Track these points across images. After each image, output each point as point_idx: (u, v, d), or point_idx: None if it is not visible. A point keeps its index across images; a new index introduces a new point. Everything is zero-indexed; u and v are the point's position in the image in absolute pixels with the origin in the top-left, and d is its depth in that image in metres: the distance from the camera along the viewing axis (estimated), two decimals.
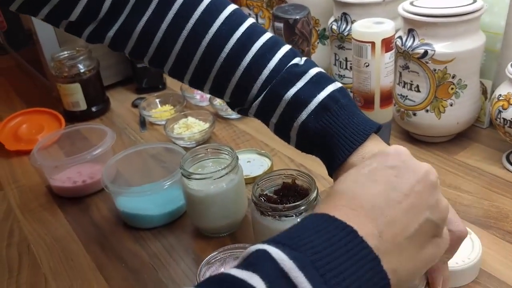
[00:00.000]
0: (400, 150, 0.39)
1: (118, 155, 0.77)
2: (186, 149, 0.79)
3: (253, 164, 0.84)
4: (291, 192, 0.60)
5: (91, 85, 1.03)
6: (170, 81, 1.21)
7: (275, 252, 0.30)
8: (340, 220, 0.32)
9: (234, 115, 0.99)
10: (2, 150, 0.94)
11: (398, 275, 0.32)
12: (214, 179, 0.64)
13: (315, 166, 0.81)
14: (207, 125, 0.93)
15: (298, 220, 0.55)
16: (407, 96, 0.81)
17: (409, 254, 0.33)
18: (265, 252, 0.30)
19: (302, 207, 0.56)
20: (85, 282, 0.63)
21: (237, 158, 0.67)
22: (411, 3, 0.76)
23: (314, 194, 0.57)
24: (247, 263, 0.30)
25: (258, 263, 0.29)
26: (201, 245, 0.67)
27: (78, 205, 0.78)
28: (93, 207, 0.78)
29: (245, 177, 0.74)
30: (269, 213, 0.57)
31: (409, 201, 0.34)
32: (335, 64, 0.93)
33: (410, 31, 0.76)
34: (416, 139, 0.85)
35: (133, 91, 1.17)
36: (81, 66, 1.01)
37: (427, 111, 0.79)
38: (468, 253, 0.57)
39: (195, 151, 0.69)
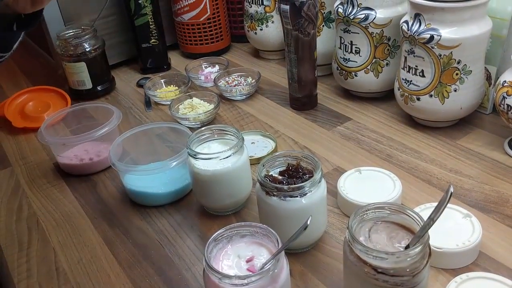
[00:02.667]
0: None
1: (125, 134, 0.78)
2: (191, 129, 0.80)
3: (257, 145, 0.85)
4: (295, 173, 0.61)
5: (97, 64, 1.04)
6: (174, 62, 1.21)
7: None
8: None
9: (238, 96, 1.00)
10: (10, 127, 0.95)
11: None
12: (220, 159, 0.66)
13: (318, 148, 0.83)
14: (211, 106, 0.94)
15: (303, 200, 0.57)
16: (411, 81, 0.81)
17: None
18: None
19: (307, 188, 0.57)
20: (93, 256, 0.65)
21: (243, 139, 0.68)
22: None
23: (319, 176, 0.58)
24: None
25: None
26: (207, 223, 0.69)
27: (86, 182, 0.80)
28: (100, 185, 0.79)
29: (249, 158, 0.75)
30: (274, 193, 0.58)
31: None
32: (340, 47, 0.93)
33: (417, 16, 0.76)
34: (419, 124, 0.86)
35: (137, 71, 1.17)
36: (86, 45, 1.01)
37: (431, 96, 0.79)
38: (469, 236, 0.58)
39: (201, 131, 0.70)
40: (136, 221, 0.71)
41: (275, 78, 1.09)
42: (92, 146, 0.83)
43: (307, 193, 0.58)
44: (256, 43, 1.18)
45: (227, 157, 0.66)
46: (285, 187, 0.57)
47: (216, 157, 0.65)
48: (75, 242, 0.67)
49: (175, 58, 1.23)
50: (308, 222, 0.47)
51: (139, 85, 1.10)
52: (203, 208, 0.71)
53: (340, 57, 0.94)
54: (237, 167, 0.67)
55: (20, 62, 1.31)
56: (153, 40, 1.12)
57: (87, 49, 1.01)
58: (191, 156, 0.66)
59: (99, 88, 1.06)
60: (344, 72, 0.94)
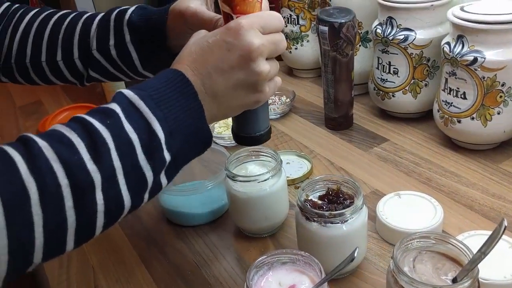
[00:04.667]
0: (239, 26, 0.46)
1: None
2: (226, 148, 0.80)
3: (292, 166, 0.85)
4: (336, 198, 0.60)
5: (135, 82, 1.05)
6: None
7: (127, 92, 0.43)
8: (178, 71, 0.45)
9: (273, 115, 1.00)
10: None
11: (213, 112, 0.47)
12: (259, 182, 0.65)
13: (355, 170, 0.82)
14: None
15: (344, 227, 0.57)
16: (452, 103, 0.80)
17: (224, 101, 0.48)
18: (120, 93, 0.44)
19: (348, 214, 0.56)
20: (131, 275, 0.65)
21: (281, 162, 0.68)
22: (462, 9, 0.75)
23: (360, 202, 0.57)
24: (109, 102, 0.43)
25: (115, 98, 0.43)
26: (243, 244, 0.69)
27: None
28: None
29: None
30: (314, 219, 0.57)
31: (233, 72, 0.46)
32: (377, 68, 0.92)
33: (460, 38, 0.75)
34: (458, 146, 0.84)
35: None
36: None
37: (472, 118, 0.78)
38: None
39: (239, 153, 0.70)
40: (172, 240, 0.71)
41: (310, 97, 1.08)
42: None
43: (348, 220, 0.57)
44: (290, 62, 1.18)
45: (266, 180, 0.65)
46: (326, 213, 0.56)
47: (255, 180, 0.65)
48: (113, 261, 0.68)
49: None
50: (355, 254, 0.46)
51: None
52: (239, 229, 0.71)
53: (378, 77, 0.93)
54: (274, 190, 0.66)
55: None
56: None
57: None
58: (229, 177, 0.67)
59: None
60: (381, 92, 0.93)
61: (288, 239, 0.68)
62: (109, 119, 0.41)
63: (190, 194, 0.72)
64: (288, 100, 1.02)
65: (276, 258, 0.50)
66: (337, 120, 0.93)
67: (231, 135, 0.92)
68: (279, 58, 1.25)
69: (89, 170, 0.38)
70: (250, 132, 0.56)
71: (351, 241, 0.58)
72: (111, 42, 0.62)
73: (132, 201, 0.42)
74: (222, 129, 0.94)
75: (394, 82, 0.90)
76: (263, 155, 0.70)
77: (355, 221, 0.57)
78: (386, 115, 0.97)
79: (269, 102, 1.02)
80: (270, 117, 0.99)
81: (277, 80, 0.52)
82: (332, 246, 0.58)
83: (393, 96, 0.91)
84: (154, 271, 0.66)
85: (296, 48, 1.15)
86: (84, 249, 0.71)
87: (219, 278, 0.63)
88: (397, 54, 0.88)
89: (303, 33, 1.13)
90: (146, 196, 0.44)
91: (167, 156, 0.43)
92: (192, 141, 0.45)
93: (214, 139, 0.92)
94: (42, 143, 0.38)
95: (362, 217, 0.58)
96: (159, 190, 0.46)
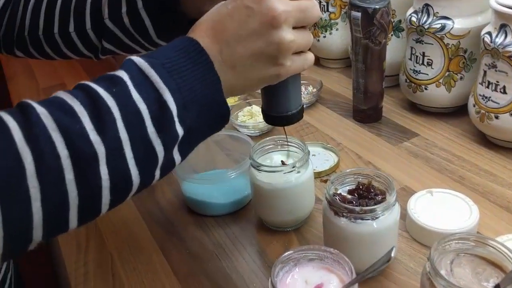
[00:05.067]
0: None
1: None
2: (249, 137, 0.78)
3: (318, 158, 0.81)
4: (366, 193, 0.57)
5: None
6: None
7: (136, 59, 0.40)
8: (193, 39, 0.42)
9: None
10: None
11: (230, 84, 0.43)
12: (284, 173, 0.63)
13: (384, 164, 0.78)
14: None
15: (375, 224, 0.53)
16: (490, 97, 0.75)
17: (242, 72, 0.43)
18: (129, 59, 0.40)
19: (379, 211, 0.53)
20: (149, 264, 0.63)
21: (309, 153, 0.65)
22: None
23: (393, 198, 0.54)
24: (117, 69, 0.40)
25: (123, 65, 0.40)
26: (265, 237, 0.66)
27: None
28: (159, 190, 0.78)
29: None
30: (343, 214, 0.54)
31: (252, 40, 0.42)
32: (410, 59, 0.88)
33: (503, 27, 0.70)
34: (493, 143, 0.80)
35: None
36: None
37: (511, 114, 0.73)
38: None
39: (265, 142, 0.67)
40: (193, 230, 0.69)
41: (337, 88, 1.05)
42: None
43: (379, 217, 0.54)
44: (318, 50, 1.14)
45: (291, 171, 0.63)
46: (357, 208, 0.53)
47: (280, 171, 0.62)
48: (131, 249, 0.66)
49: None
50: (392, 254, 0.43)
51: None
52: (262, 221, 0.69)
53: (410, 68, 0.89)
54: (300, 183, 0.63)
55: (83, 62, 1.34)
56: None
57: None
58: (253, 167, 0.64)
59: None
60: (413, 85, 0.89)
61: (313, 234, 0.66)
62: (115, 86, 0.38)
63: (212, 183, 0.70)
64: (314, 90, 0.98)
65: (303, 254, 0.48)
66: (366, 112, 0.90)
67: (255, 124, 0.91)
68: None
69: (91, 141, 0.35)
70: (280, 111, 0.52)
71: (381, 239, 0.55)
72: (123, 9, 0.59)
73: (141, 177, 0.39)
74: (246, 117, 0.91)
75: (427, 74, 0.86)
76: (289, 145, 0.67)
77: (386, 218, 0.54)
78: (417, 109, 0.92)
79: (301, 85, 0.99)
80: None
81: (308, 55, 0.47)
82: (361, 243, 0.55)
83: (425, 89, 0.87)
84: (173, 261, 0.64)
85: (324, 37, 1.11)
86: (103, 235, 0.69)
87: (240, 271, 0.61)
88: (432, 44, 0.83)
89: (332, 21, 1.09)
90: (157, 173, 0.41)
91: (180, 130, 0.40)
92: (207, 114, 0.42)
93: (237, 127, 0.90)
94: (41, 110, 0.35)
95: (394, 214, 0.55)
96: (172, 167, 0.42)
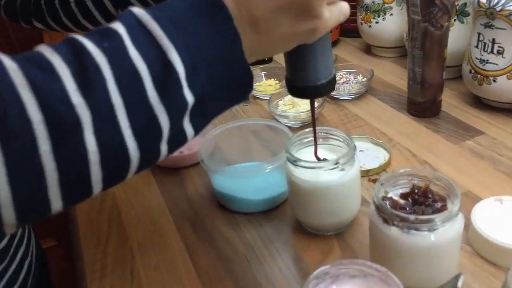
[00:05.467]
0: None
1: (218, 128, 0.70)
2: (290, 128, 0.70)
3: (366, 154, 0.73)
4: (423, 199, 0.48)
5: None
6: (277, 55, 1.12)
7: (137, 10, 0.33)
8: None
9: (346, 95, 0.88)
10: None
11: (252, 45, 0.35)
12: (326, 170, 0.55)
13: (443, 165, 0.68)
14: (316, 104, 0.83)
15: (432, 237, 0.45)
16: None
17: (267, 30, 0.36)
18: (129, 11, 0.33)
19: (439, 221, 0.44)
20: (172, 263, 0.57)
21: (355, 148, 0.56)
22: None
23: (456, 207, 0.45)
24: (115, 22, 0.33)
25: (121, 16, 0.33)
26: (302, 241, 0.59)
27: (173, 177, 0.73)
28: (188, 181, 0.72)
29: None
30: (394, 222, 0.46)
31: None
32: (476, 46, 0.77)
33: None
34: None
35: None
36: None
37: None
38: None
39: (304, 133, 0.60)
40: (222, 227, 0.62)
41: (390, 78, 0.95)
42: None
43: (438, 228, 0.45)
44: (369, 37, 1.05)
45: (334, 168, 0.55)
46: (411, 217, 0.45)
47: (321, 167, 0.55)
48: (154, 244, 0.61)
49: None
50: (459, 284, 0.34)
51: None
52: (299, 223, 0.61)
53: (476, 57, 0.78)
54: (344, 181, 0.55)
55: None
56: None
57: None
58: (290, 162, 0.56)
59: None
60: (479, 76, 0.78)
61: (357, 241, 0.57)
62: (108, 41, 0.31)
63: (245, 177, 0.63)
64: (364, 79, 0.89)
65: (344, 270, 0.40)
66: (423, 106, 0.80)
67: (297, 114, 0.83)
68: (356, 34, 1.12)
69: (73, 104, 0.28)
70: (308, 80, 0.44)
71: (440, 255, 0.46)
72: None
73: (142, 151, 0.32)
74: (287, 107, 0.84)
75: (497, 64, 0.75)
76: (333, 138, 0.59)
77: (447, 230, 0.45)
78: (482, 104, 0.82)
79: (342, 81, 0.90)
80: (343, 97, 0.88)
81: (342, 4, 0.39)
82: (415, 259, 0.46)
83: (494, 81, 0.76)
84: (198, 261, 0.57)
85: (377, 22, 1.01)
86: (125, 227, 0.64)
87: (271, 278, 0.54)
88: (505, 29, 0.72)
89: (386, 5, 0.99)
90: (164, 147, 0.34)
91: (189, 96, 0.33)
92: (224, 79, 0.34)
93: (277, 117, 0.82)
94: (9, 64, 0.28)
95: (457, 226, 0.46)
96: (183, 140, 0.35)
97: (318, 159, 0.56)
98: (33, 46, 0.31)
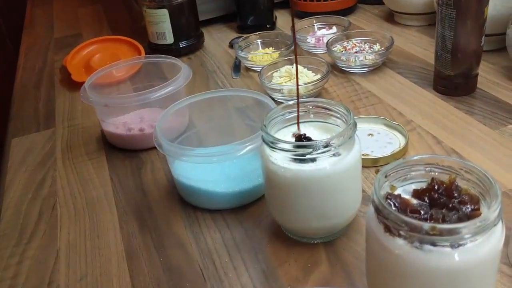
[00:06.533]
0: None
1: (190, 98, 0.56)
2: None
3: (376, 139, 0.57)
4: (445, 200, 0.32)
5: (182, 14, 0.83)
6: (281, 22, 0.96)
7: None
8: None
9: (358, 68, 0.72)
10: (69, 81, 0.79)
11: None
12: (313, 154, 0.39)
13: (476, 155, 0.52)
14: (317, 77, 0.67)
15: (456, 256, 0.29)
16: None
17: None
18: None
19: (467, 233, 0.29)
20: (103, 275, 0.43)
21: (355, 125, 0.41)
22: None
23: (495, 213, 0.29)
24: None
25: None
26: (280, 251, 0.43)
27: (130, 160, 0.59)
28: (147, 168, 0.57)
29: (362, 157, 0.48)
30: (401, 232, 0.30)
31: None
32: None
33: None
34: None
35: (234, 30, 0.94)
36: None
37: None
38: None
39: (289, 107, 0.44)
40: (178, 228, 0.48)
41: (414, 49, 0.78)
42: (151, 114, 0.63)
43: (466, 243, 0.29)
44: (393, 3, 0.88)
45: (324, 151, 0.39)
46: (427, 225, 0.29)
47: (307, 150, 0.39)
48: (87, 247, 0.47)
49: (282, 18, 0.98)
50: None
51: (232, 45, 0.87)
52: (278, 226, 0.46)
53: None
54: (338, 171, 0.40)
55: (108, 9, 1.17)
56: None
57: None
58: (266, 143, 0.41)
59: (182, 44, 0.85)
60: None
61: (353, 254, 0.42)
62: None
63: (211, 162, 0.47)
64: (382, 49, 0.72)
65: None
66: (454, 81, 0.63)
67: (293, 87, 0.68)
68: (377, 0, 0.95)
69: None
70: None
71: (466, 284, 0.30)
72: None
73: None
74: (283, 79, 0.68)
75: None
76: (327, 113, 0.44)
77: (479, 246, 0.29)
78: None
79: (354, 50, 0.74)
80: (353, 69, 0.72)
81: None
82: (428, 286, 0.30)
83: None
84: (138, 275, 0.43)
85: None
86: (57, 222, 0.50)
87: None
88: None
89: None
90: None
91: None
92: None
93: (270, 91, 0.67)
94: None
95: (495, 240, 0.30)
96: None
97: (300, 138, 0.41)
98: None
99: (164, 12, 0.81)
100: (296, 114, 0.44)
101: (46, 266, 0.45)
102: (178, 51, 0.84)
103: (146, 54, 0.82)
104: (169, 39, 0.84)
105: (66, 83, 0.81)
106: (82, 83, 0.63)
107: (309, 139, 0.42)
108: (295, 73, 0.68)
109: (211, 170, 0.49)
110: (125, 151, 0.60)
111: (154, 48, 0.85)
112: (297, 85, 0.44)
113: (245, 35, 0.84)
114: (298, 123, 0.44)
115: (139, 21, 0.97)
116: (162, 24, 0.82)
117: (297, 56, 0.45)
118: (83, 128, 0.68)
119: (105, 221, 0.50)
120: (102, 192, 0.54)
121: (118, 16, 1.13)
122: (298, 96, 0.44)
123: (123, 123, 0.60)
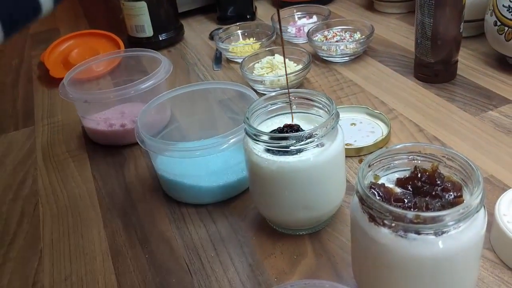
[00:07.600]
0: None
1: (174, 91, 0.55)
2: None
3: (359, 128, 0.57)
4: (429, 188, 0.33)
5: (161, 7, 0.82)
6: (261, 12, 0.95)
7: None
8: None
9: (339, 57, 0.72)
10: (48, 77, 0.78)
11: None
12: (296, 146, 0.39)
13: (458, 142, 0.53)
14: (298, 67, 0.67)
15: (440, 243, 0.29)
16: None
17: None
18: None
19: (450, 220, 0.29)
20: (88, 274, 0.43)
21: (337, 116, 0.41)
22: None
23: (477, 199, 0.30)
24: None
25: None
26: (266, 244, 0.43)
27: (112, 158, 0.58)
28: (130, 164, 0.57)
29: (345, 147, 0.48)
30: (386, 221, 0.30)
31: None
32: None
33: None
34: None
35: (214, 21, 0.93)
36: None
37: None
38: None
39: (271, 98, 0.44)
40: (162, 224, 0.47)
41: (394, 37, 0.78)
42: (132, 108, 0.62)
43: (449, 230, 0.29)
44: None
45: (308, 142, 0.39)
46: (410, 214, 0.29)
47: (289, 143, 0.39)
48: (71, 247, 0.46)
49: (262, 8, 0.97)
50: None
51: (213, 37, 0.86)
52: (264, 218, 0.46)
53: (504, 5, 0.61)
54: (322, 162, 0.40)
55: (85, 3, 1.14)
56: None
57: None
58: (249, 136, 0.41)
59: (161, 37, 0.84)
60: (506, 29, 0.61)
61: (338, 244, 0.42)
62: None
63: (196, 157, 0.47)
64: (363, 37, 0.73)
65: None
66: (434, 68, 0.63)
67: (275, 78, 0.67)
68: None
69: None
70: None
71: (451, 270, 0.31)
72: None
73: None
74: (265, 70, 0.68)
75: None
76: (309, 104, 0.44)
77: (462, 234, 0.30)
78: (509, 66, 0.65)
79: (335, 39, 0.74)
80: (334, 59, 0.72)
81: None
82: (414, 277, 0.31)
83: None
84: (123, 271, 0.43)
85: None
86: (40, 222, 0.50)
87: None
88: None
89: None
90: None
91: None
92: None
93: (251, 83, 0.67)
94: None
95: (478, 227, 0.31)
96: None
97: (286, 129, 0.41)
98: None
99: (143, 5, 0.80)
100: (279, 106, 0.44)
101: (29, 266, 0.44)
102: (157, 44, 0.83)
103: (125, 47, 0.80)
104: (149, 32, 0.82)
105: (44, 80, 0.80)
106: (61, 79, 0.61)
107: (297, 129, 0.41)
108: (276, 64, 0.68)
109: (194, 164, 0.49)
110: (107, 148, 0.60)
111: (133, 42, 0.84)
112: (286, 74, 0.44)
113: (225, 26, 0.83)
114: (291, 113, 0.44)
115: (117, 15, 0.96)
116: (140, 17, 0.81)
117: (280, 47, 0.45)
118: (64, 125, 0.67)
119: (88, 219, 0.49)
120: (85, 190, 0.53)
121: (96, 9, 1.11)
122: (288, 86, 0.43)
123: (104, 119, 0.59)
